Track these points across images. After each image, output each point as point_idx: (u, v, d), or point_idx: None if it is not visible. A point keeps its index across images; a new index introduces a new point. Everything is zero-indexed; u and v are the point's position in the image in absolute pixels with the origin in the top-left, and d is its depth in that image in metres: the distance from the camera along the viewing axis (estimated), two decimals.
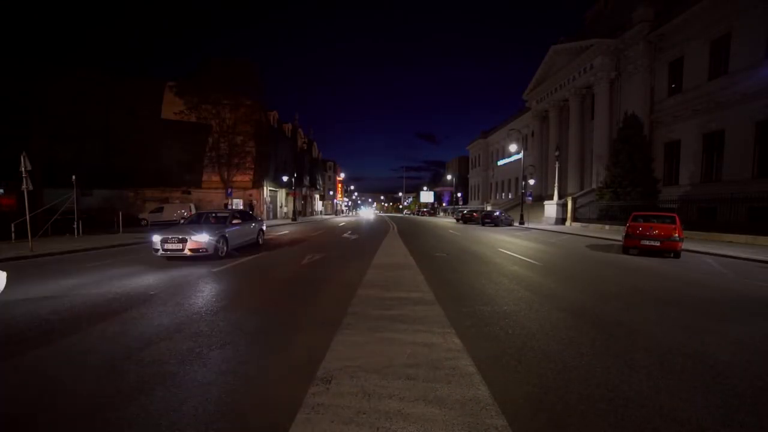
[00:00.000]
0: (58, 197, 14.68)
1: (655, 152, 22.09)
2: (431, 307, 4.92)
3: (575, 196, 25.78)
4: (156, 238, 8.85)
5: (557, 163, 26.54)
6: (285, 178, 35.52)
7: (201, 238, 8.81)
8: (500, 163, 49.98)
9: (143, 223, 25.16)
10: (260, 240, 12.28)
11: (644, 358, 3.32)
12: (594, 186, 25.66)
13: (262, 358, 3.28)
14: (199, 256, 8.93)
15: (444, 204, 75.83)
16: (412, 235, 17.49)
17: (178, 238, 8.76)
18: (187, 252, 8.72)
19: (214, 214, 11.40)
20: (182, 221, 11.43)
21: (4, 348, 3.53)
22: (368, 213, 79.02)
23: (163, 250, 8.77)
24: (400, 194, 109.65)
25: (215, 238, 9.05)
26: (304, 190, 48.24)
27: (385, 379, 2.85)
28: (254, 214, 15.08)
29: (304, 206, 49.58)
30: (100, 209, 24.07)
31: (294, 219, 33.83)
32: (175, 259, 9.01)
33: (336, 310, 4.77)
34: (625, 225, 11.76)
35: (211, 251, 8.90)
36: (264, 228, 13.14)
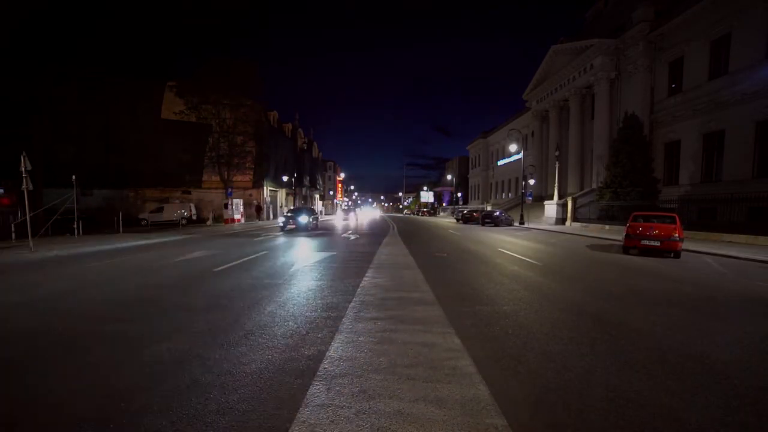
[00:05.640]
0: (58, 197, 14.68)
1: (655, 152, 22.07)
2: (431, 307, 4.92)
3: (575, 196, 25.77)
4: (281, 220, 19.24)
5: (557, 163, 26.54)
6: (285, 178, 35.55)
7: (303, 219, 18.85)
8: (500, 163, 49.97)
9: (143, 223, 25.17)
10: (317, 224, 22.39)
11: (644, 358, 3.32)
12: (594, 186, 25.65)
13: (262, 359, 3.28)
14: (300, 227, 18.59)
15: (444, 204, 75.79)
16: (412, 235, 17.49)
17: (294, 218, 18.91)
18: (295, 226, 18.69)
19: (304, 208, 22.16)
20: (288, 213, 20.51)
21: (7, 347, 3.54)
22: (370, 212, 79.01)
23: (286, 225, 18.66)
24: (400, 194, 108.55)
25: (310, 219, 19.67)
26: (304, 189, 48.29)
27: (385, 379, 2.85)
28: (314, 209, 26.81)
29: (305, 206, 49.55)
30: (100, 209, 24.11)
31: None
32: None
33: (336, 310, 4.78)
34: (625, 225, 11.76)
35: (311, 227, 19.29)
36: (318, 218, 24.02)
